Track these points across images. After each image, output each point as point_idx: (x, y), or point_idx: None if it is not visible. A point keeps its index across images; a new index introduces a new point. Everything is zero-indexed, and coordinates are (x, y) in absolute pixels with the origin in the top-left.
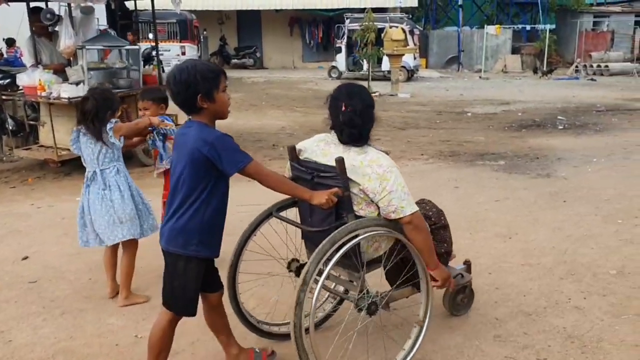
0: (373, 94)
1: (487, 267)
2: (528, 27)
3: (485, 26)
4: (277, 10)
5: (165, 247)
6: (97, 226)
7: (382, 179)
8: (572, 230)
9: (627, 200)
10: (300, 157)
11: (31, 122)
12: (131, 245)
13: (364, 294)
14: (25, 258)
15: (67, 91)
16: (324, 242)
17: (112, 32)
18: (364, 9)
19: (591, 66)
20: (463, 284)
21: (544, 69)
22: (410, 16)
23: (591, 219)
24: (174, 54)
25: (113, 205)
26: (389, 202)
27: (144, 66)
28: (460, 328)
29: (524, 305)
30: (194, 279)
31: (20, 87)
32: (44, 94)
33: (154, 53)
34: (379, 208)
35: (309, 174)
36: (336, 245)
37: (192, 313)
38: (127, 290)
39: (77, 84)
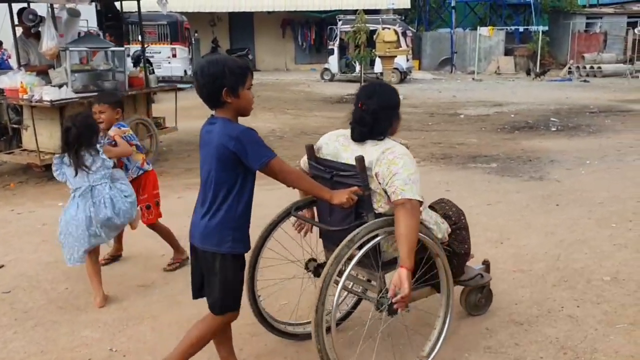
0: None
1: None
2: (521, 29)
3: (478, 28)
4: (269, 12)
5: (201, 245)
6: (76, 236)
7: (390, 163)
8: (565, 234)
9: (621, 203)
10: (319, 155)
11: (14, 126)
12: None
13: (384, 293)
14: (1, 267)
15: (49, 94)
16: (343, 242)
17: (100, 34)
18: (357, 10)
19: (584, 67)
20: (482, 284)
21: (537, 70)
22: (403, 18)
23: (584, 223)
24: (165, 56)
25: (96, 217)
26: (391, 183)
27: (134, 68)
28: (449, 339)
29: (516, 315)
30: (236, 274)
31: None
32: (25, 96)
33: None
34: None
35: (328, 172)
36: (356, 245)
37: (238, 308)
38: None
39: (60, 86)
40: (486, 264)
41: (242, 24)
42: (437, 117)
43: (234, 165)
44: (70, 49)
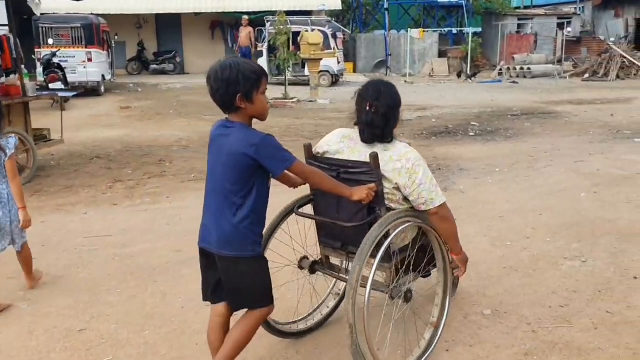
0: (291, 100)
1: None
2: (454, 31)
3: (409, 30)
4: (196, 14)
5: (219, 251)
6: None
7: (411, 172)
8: None
9: (522, 216)
10: (320, 155)
11: None
12: None
13: (397, 282)
14: None
15: None
16: (365, 240)
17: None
18: (287, 12)
19: (514, 69)
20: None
21: (468, 72)
22: (337, 19)
23: (478, 242)
24: (79, 60)
25: None
26: (419, 194)
27: (44, 74)
28: None
29: None
30: (266, 272)
31: None
32: None
33: (54, 59)
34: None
35: (334, 170)
36: (377, 240)
37: (272, 302)
38: None
39: None
40: None
41: (169, 26)
42: None
43: (252, 171)
44: None
